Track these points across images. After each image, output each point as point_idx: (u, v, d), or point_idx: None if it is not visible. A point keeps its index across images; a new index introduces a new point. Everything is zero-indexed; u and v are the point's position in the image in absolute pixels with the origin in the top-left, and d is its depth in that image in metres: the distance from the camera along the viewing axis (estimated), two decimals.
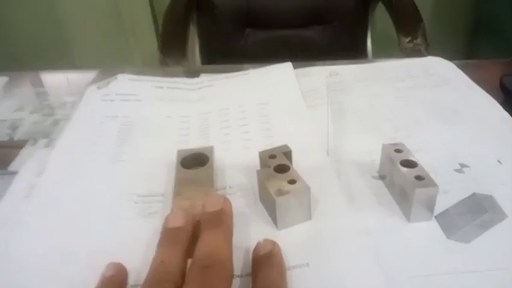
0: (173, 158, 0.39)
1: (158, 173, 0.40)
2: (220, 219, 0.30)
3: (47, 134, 0.50)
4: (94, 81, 0.56)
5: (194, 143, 0.43)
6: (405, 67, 0.57)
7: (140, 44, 1.78)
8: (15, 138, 0.50)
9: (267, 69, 0.55)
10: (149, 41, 1.76)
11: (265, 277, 0.27)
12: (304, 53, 1.42)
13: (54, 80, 0.67)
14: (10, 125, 0.52)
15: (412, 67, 0.57)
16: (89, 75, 0.63)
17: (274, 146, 0.38)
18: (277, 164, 0.35)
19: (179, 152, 0.39)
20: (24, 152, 0.47)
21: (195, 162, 0.39)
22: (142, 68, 1.69)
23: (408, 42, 1.19)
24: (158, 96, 0.51)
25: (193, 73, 0.58)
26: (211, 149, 0.40)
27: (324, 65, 0.59)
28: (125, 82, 0.53)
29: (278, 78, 0.52)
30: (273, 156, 0.36)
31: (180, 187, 0.36)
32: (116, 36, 1.77)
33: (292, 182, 0.33)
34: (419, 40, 1.18)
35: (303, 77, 0.53)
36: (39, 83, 0.64)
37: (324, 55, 1.36)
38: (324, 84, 0.52)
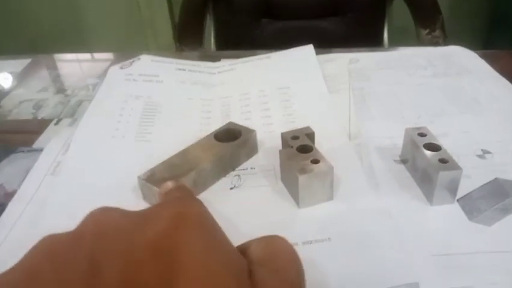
0: (196, 139, 0.40)
1: None
2: None
3: (70, 114, 0.51)
4: (112, 63, 0.57)
5: (216, 125, 0.44)
6: (426, 56, 0.57)
7: (157, 34, 1.79)
8: (40, 118, 0.51)
9: (289, 52, 0.55)
10: (165, 31, 1.76)
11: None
12: (320, 44, 1.42)
13: (75, 62, 0.68)
14: (34, 104, 0.53)
15: (433, 56, 0.57)
16: (110, 57, 0.64)
17: (295, 126, 0.39)
18: (300, 145, 0.36)
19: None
20: (48, 131, 0.48)
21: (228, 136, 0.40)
22: (164, 52, 1.70)
23: (426, 34, 1.18)
24: (180, 78, 0.52)
25: (214, 58, 0.58)
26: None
27: (344, 52, 0.59)
28: (148, 63, 0.54)
29: (300, 62, 0.53)
30: (295, 137, 0.37)
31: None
32: (133, 25, 1.78)
33: (315, 161, 0.33)
34: (437, 32, 1.17)
35: (324, 62, 0.53)
36: (61, 66, 0.65)
37: (340, 47, 1.35)
38: (345, 69, 0.52)
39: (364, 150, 0.40)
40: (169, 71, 0.53)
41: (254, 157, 0.41)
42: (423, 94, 0.48)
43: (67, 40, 1.75)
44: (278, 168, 0.37)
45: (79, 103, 0.52)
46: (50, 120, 0.49)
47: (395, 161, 0.38)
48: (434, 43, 1.17)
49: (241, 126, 0.41)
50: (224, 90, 0.50)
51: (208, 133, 0.40)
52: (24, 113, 0.52)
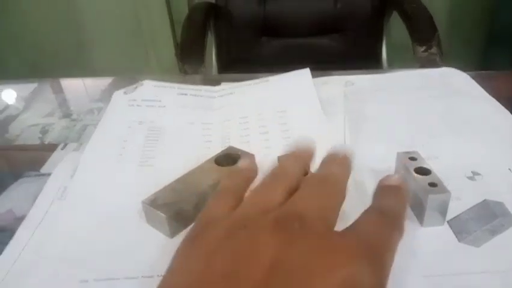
0: (198, 163, 0.42)
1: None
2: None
3: (76, 139, 0.52)
4: (115, 87, 0.59)
5: (217, 149, 0.45)
6: (420, 77, 0.59)
7: (158, 52, 1.82)
8: (46, 142, 0.52)
9: (285, 76, 0.57)
10: (166, 49, 1.79)
11: (386, 201, 0.27)
12: (319, 61, 1.43)
13: (80, 86, 0.70)
14: (41, 129, 0.55)
15: (427, 77, 0.59)
16: (115, 82, 0.66)
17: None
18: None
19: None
20: (55, 155, 0.49)
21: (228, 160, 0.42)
22: (160, 75, 1.72)
23: (423, 51, 1.20)
24: (181, 103, 0.54)
25: (213, 81, 0.60)
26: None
27: (340, 74, 0.61)
28: (150, 88, 0.55)
29: (297, 86, 0.54)
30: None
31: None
32: (135, 43, 1.81)
33: None
34: (434, 50, 1.19)
35: (320, 85, 0.55)
36: (66, 89, 0.68)
37: (339, 63, 1.37)
38: (341, 93, 0.54)
39: (358, 172, 0.41)
40: (171, 95, 0.55)
41: (254, 180, 0.42)
42: (417, 116, 0.50)
43: (68, 60, 1.78)
44: None
45: (84, 127, 0.54)
46: (56, 145, 0.51)
47: None
48: (431, 60, 1.20)
49: (240, 150, 0.43)
50: (224, 114, 0.52)
51: (209, 157, 0.42)
52: (31, 137, 0.54)
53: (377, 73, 0.60)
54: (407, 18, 1.29)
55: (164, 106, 0.53)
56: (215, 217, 0.25)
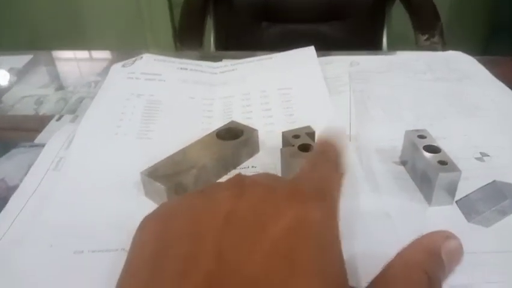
0: (198, 137, 0.40)
1: None
2: None
3: (72, 111, 0.51)
4: (114, 61, 0.57)
5: (217, 124, 0.44)
6: (426, 60, 0.57)
7: (156, 35, 1.79)
8: (41, 113, 0.51)
9: (290, 54, 0.55)
10: (165, 32, 1.77)
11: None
12: (320, 48, 1.43)
13: (76, 60, 0.68)
14: (36, 100, 0.53)
15: (433, 60, 0.57)
16: (113, 56, 0.64)
17: (296, 125, 0.39)
18: (301, 144, 0.36)
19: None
20: (50, 127, 0.48)
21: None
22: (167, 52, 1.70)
23: (425, 40, 1.19)
24: (182, 78, 0.52)
25: (215, 58, 0.58)
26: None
27: (345, 55, 0.59)
28: (150, 62, 0.54)
29: (301, 64, 0.53)
30: (296, 136, 0.37)
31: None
32: (133, 25, 1.78)
33: None
34: (436, 38, 1.18)
35: (325, 64, 0.54)
36: (63, 62, 0.66)
37: (340, 51, 1.36)
38: (346, 72, 0.53)
39: (364, 151, 0.40)
40: (171, 70, 0.53)
41: (255, 156, 0.41)
42: (423, 98, 0.49)
43: (66, 38, 1.75)
44: (279, 167, 0.38)
45: (81, 100, 0.53)
46: (51, 117, 0.50)
47: (394, 162, 0.39)
48: (433, 49, 1.18)
49: (243, 125, 0.41)
50: (226, 90, 0.51)
51: (210, 132, 0.41)
52: (26, 108, 0.52)
53: (382, 54, 0.59)
54: (409, 6, 1.28)
55: (164, 80, 0.51)
56: None
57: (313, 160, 0.27)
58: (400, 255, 0.22)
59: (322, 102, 0.47)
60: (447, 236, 0.21)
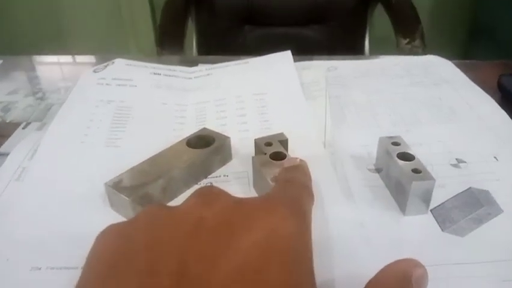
0: (169, 145, 0.39)
1: None
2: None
3: (39, 118, 0.49)
4: (88, 66, 0.55)
5: (189, 131, 0.43)
6: (404, 64, 0.57)
7: (138, 38, 1.77)
8: (8, 121, 0.49)
9: (266, 58, 0.54)
10: (146, 35, 1.75)
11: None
12: (302, 51, 1.42)
13: (51, 65, 0.66)
14: (3, 107, 0.51)
15: (411, 65, 0.57)
16: (85, 60, 0.62)
17: (270, 132, 0.38)
18: (273, 152, 0.35)
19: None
20: (16, 135, 0.46)
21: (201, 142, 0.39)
22: (141, 57, 1.68)
23: (406, 43, 1.19)
24: (154, 83, 0.51)
25: (191, 62, 0.57)
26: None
27: (323, 59, 0.58)
28: (122, 67, 0.52)
29: (278, 68, 0.52)
30: (269, 144, 0.36)
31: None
32: (115, 28, 1.76)
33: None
34: (417, 42, 1.19)
35: (302, 69, 0.53)
36: (35, 68, 0.64)
37: (322, 54, 1.36)
38: (323, 77, 0.52)
39: (339, 158, 0.39)
40: (143, 75, 0.52)
41: (228, 164, 0.40)
42: (400, 103, 0.48)
43: (47, 42, 1.72)
44: (252, 175, 0.36)
45: (49, 107, 0.51)
46: (18, 124, 0.48)
47: (369, 169, 0.38)
48: (414, 52, 1.19)
49: (215, 132, 0.40)
50: (199, 96, 0.50)
51: (181, 139, 0.39)
52: None
53: (360, 59, 0.58)
54: (391, 9, 1.29)
55: (136, 86, 0.50)
56: None
57: (283, 183, 0.27)
58: (372, 283, 0.21)
59: (297, 108, 0.46)
60: (415, 264, 0.21)
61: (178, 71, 0.54)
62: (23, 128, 0.47)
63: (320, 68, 0.55)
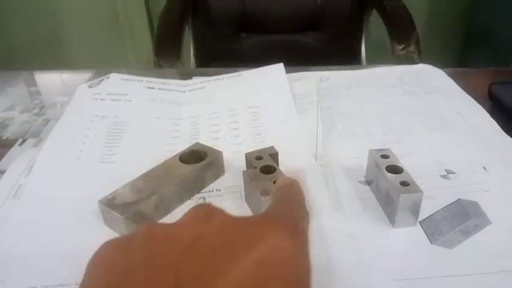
0: (163, 160, 0.39)
1: None
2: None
3: (36, 134, 0.49)
4: (85, 81, 0.56)
5: (184, 146, 0.43)
6: (396, 74, 0.57)
7: (136, 47, 1.78)
8: (4, 137, 0.49)
9: (259, 71, 0.55)
10: (144, 44, 1.76)
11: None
12: (299, 58, 1.43)
13: (48, 80, 0.67)
14: (0, 123, 0.52)
15: (403, 74, 0.57)
16: (83, 75, 0.63)
17: (264, 145, 0.39)
18: (263, 165, 0.35)
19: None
20: (12, 152, 0.46)
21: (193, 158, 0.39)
22: (138, 70, 1.69)
23: (401, 49, 1.20)
24: (149, 97, 0.51)
25: (186, 75, 0.58)
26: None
27: (316, 70, 0.59)
28: (117, 82, 0.53)
29: (270, 81, 0.53)
30: (259, 158, 0.37)
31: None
32: (112, 38, 1.77)
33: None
34: (412, 48, 1.19)
35: (294, 81, 0.53)
36: (32, 83, 0.64)
37: (318, 61, 1.36)
38: (314, 89, 0.52)
39: (329, 170, 0.40)
40: (138, 89, 0.52)
41: (221, 178, 0.40)
42: (392, 113, 0.49)
43: (45, 54, 1.73)
44: (244, 190, 0.37)
45: (46, 122, 0.51)
46: (15, 140, 0.48)
47: (359, 181, 0.38)
48: (409, 58, 1.19)
49: (207, 147, 0.41)
50: (193, 109, 0.50)
51: (174, 154, 0.40)
52: None
53: (352, 69, 0.59)
54: (386, 16, 1.29)
55: (130, 100, 0.51)
56: None
57: (280, 202, 0.27)
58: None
59: (289, 121, 0.46)
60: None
61: (173, 84, 0.55)
62: (19, 145, 0.47)
63: (312, 79, 0.55)
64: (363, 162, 0.39)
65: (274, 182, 0.33)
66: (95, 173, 0.41)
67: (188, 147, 0.41)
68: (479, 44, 1.56)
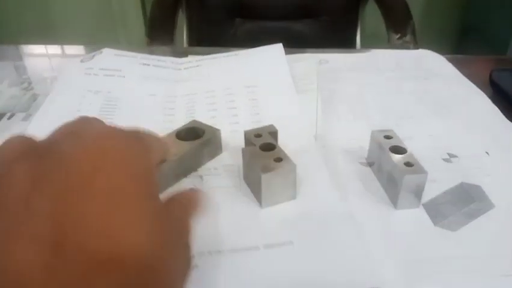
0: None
1: None
2: None
3: (25, 109, 0.48)
4: (76, 56, 0.54)
5: (179, 123, 0.42)
6: (396, 58, 0.56)
7: (127, 29, 1.75)
8: None
9: (257, 51, 0.54)
10: (136, 26, 1.72)
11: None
12: (293, 45, 1.42)
13: (37, 55, 0.65)
14: None
15: (402, 59, 0.56)
16: (72, 51, 0.61)
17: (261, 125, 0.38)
18: (263, 143, 0.34)
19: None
20: (0, 126, 0.45)
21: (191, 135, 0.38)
22: (131, 47, 1.66)
23: (397, 39, 1.19)
24: (143, 74, 0.50)
25: (181, 54, 0.56)
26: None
27: (315, 52, 0.58)
28: (110, 57, 0.51)
29: (268, 61, 0.51)
30: (258, 135, 0.35)
31: None
32: (104, 19, 1.73)
33: (278, 160, 0.32)
34: (408, 37, 1.18)
35: (293, 62, 0.52)
36: (20, 57, 0.62)
37: (312, 48, 1.35)
38: (314, 70, 0.51)
39: (330, 151, 0.39)
40: (132, 65, 0.51)
41: (218, 157, 0.39)
42: (392, 97, 0.48)
43: (34, 31, 1.69)
44: (242, 168, 0.36)
45: (35, 97, 0.50)
46: (3, 114, 0.46)
47: (361, 163, 0.37)
48: (405, 47, 1.18)
49: (205, 124, 0.39)
50: (189, 87, 0.49)
51: (170, 131, 0.39)
52: None
53: (351, 52, 0.58)
54: (382, 5, 1.28)
55: (124, 76, 0.49)
56: None
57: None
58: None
59: (288, 101, 0.45)
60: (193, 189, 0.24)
61: (168, 61, 0.53)
62: (8, 119, 0.46)
63: (311, 60, 0.54)
64: (364, 144, 0.38)
65: (274, 160, 0.32)
66: None
67: (185, 125, 0.39)
68: (475, 36, 1.56)
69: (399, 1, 1.25)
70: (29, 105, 0.48)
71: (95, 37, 1.72)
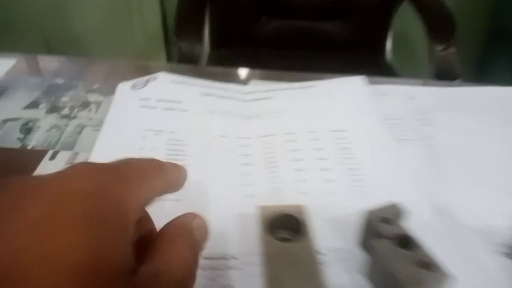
0: (239, 201, 0.31)
1: (225, 224, 0.31)
2: None
3: (69, 145, 0.40)
4: (114, 72, 0.46)
5: (259, 176, 0.35)
6: (492, 97, 0.49)
7: (144, 18, 1.67)
8: (29, 147, 0.40)
9: (337, 83, 0.46)
10: (153, 16, 1.65)
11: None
12: (319, 46, 1.34)
13: (69, 66, 0.56)
14: (22, 126, 0.42)
15: (499, 97, 0.49)
16: (107, 65, 0.53)
17: (365, 192, 0.30)
18: (397, 234, 0.27)
19: (264, 209, 0.30)
20: (41, 167, 0.37)
21: (280, 224, 0.29)
22: (145, 44, 1.59)
23: (440, 50, 1.10)
24: (207, 107, 0.42)
25: (227, 75, 0.48)
26: (301, 209, 0.30)
27: (401, 84, 0.50)
28: (166, 84, 0.44)
29: (352, 98, 0.44)
30: (385, 220, 0.28)
31: (274, 269, 0.26)
32: (119, 8, 1.65)
33: (424, 265, 0.25)
34: (452, 49, 1.10)
35: (378, 96, 0.44)
36: (53, 70, 0.54)
37: (340, 51, 1.27)
38: (407, 111, 0.43)
39: (458, 233, 0.31)
40: (193, 96, 0.43)
41: (322, 234, 0.31)
42: (504, 149, 0.41)
43: (49, 27, 1.61)
44: (359, 256, 0.29)
45: (80, 129, 0.42)
46: (43, 152, 0.39)
47: (504, 253, 0.30)
48: (447, 61, 1.10)
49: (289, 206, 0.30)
50: (263, 125, 0.41)
51: (251, 192, 0.31)
52: (9, 138, 0.41)
53: (439, 86, 0.50)
54: (424, 14, 1.19)
55: (187, 110, 0.41)
56: None
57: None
58: (158, 235, 0.21)
59: (388, 154, 0.38)
60: (194, 215, 0.22)
61: (231, 91, 0.45)
62: (50, 159, 0.38)
63: (399, 96, 0.46)
64: (502, 223, 0.31)
65: (417, 264, 0.25)
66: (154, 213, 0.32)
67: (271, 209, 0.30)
68: (501, 45, 1.49)
69: (442, 10, 1.17)
70: (75, 139, 0.41)
71: (110, 24, 1.65)
